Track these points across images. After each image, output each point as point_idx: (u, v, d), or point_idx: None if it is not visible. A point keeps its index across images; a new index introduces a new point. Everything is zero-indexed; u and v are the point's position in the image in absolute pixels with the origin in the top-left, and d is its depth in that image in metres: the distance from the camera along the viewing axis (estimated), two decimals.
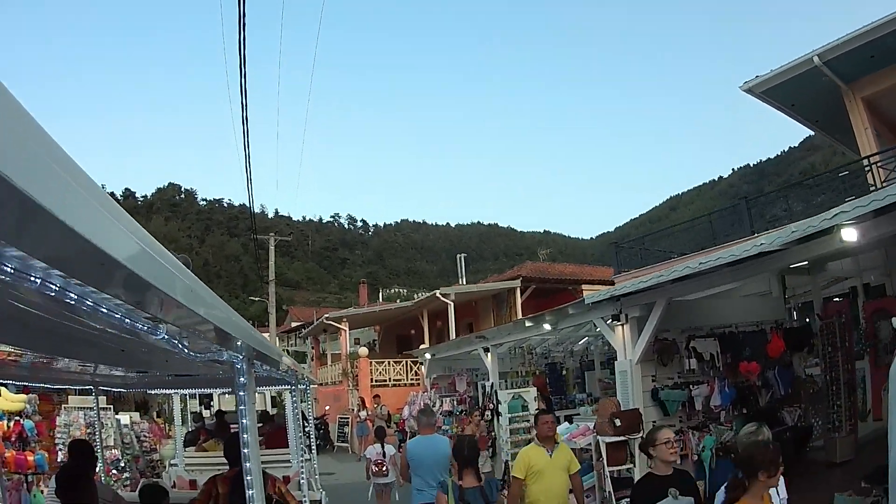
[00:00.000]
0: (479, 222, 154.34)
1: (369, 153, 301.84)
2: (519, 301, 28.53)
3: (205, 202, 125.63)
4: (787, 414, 11.35)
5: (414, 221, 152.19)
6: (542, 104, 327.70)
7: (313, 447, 8.91)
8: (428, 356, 19.10)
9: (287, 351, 44.97)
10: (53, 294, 1.47)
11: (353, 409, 27.13)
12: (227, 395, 17.94)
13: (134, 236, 1.44)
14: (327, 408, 31.55)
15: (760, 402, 11.28)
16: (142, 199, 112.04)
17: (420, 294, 33.74)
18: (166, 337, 2.25)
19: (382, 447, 11.80)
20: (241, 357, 3.19)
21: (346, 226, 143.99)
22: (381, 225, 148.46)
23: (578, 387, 16.75)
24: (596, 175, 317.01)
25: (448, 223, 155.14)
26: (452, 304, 27.86)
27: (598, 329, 16.05)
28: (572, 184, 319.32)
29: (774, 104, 18.95)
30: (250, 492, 3.37)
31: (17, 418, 10.32)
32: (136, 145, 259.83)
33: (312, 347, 41.01)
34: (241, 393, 3.29)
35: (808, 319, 12.78)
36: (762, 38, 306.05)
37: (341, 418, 29.08)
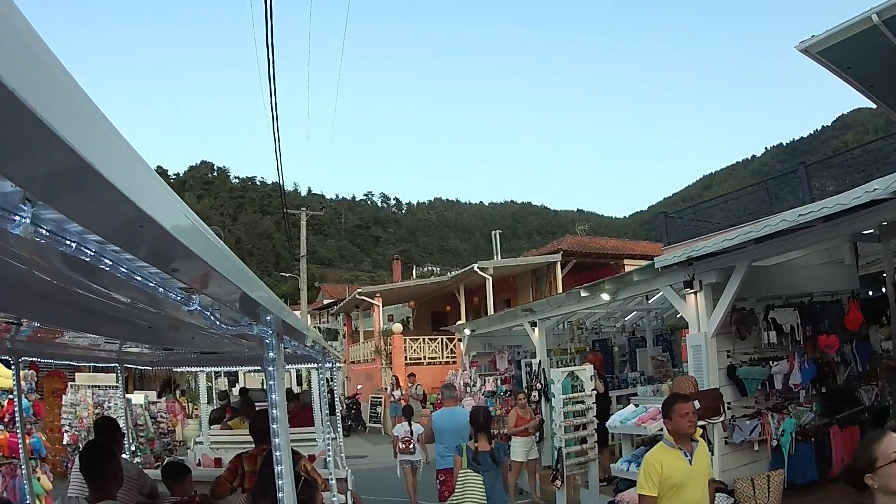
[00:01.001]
0: (512, 201, 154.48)
1: (402, 131, 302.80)
2: (559, 276, 27.27)
3: (238, 180, 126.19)
4: (863, 393, 10.23)
5: (447, 199, 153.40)
6: (576, 82, 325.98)
7: (339, 426, 9.17)
8: (467, 332, 17.86)
9: (318, 328, 44.32)
10: (88, 259, 1.45)
11: (386, 389, 26.22)
12: (253, 374, 17.31)
13: (175, 202, 1.48)
14: (359, 387, 30.73)
15: (838, 379, 10.17)
16: (174, 176, 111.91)
17: (454, 272, 32.67)
18: (199, 308, 2.21)
19: (410, 426, 12.28)
20: (270, 332, 3.11)
21: (379, 204, 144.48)
22: (415, 203, 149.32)
23: (629, 365, 15.58)
24: (629, 154, 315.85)
25: (481, 201, 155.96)
26: (490, 278, 26.69)
27: (650, 301, 15.05)
28: (605, 162, 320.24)
29: (829, 66, 17.54)
30: (279, 468, 3.31)
31: (11, 396, 9.42)
32: (169, 124, 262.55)
33: (344, 324, 40.16)
34: (271, 368, 3.21)
35: (870, 292, 11.64)
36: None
37: (374, 398, 28.21)
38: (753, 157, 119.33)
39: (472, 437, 7.47)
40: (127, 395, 14.94)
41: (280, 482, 3.31)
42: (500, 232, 35.38)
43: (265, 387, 3.34)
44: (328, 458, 6.82)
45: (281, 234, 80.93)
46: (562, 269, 27.67)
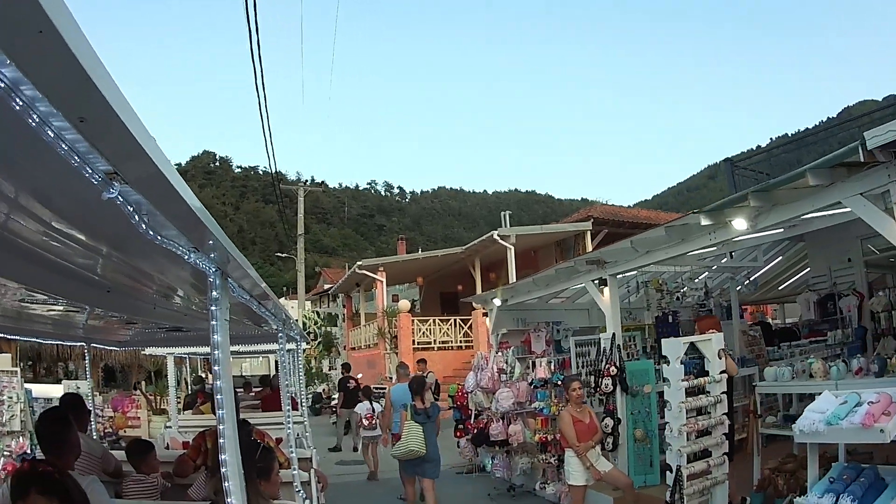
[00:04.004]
0: (516, 189, 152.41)
1: (405, 120, 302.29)
2: (589, 247, 23.47)
3: (240, 169, 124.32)
4: None
5: (451, 188, 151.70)
6: (581, 69, 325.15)
7: (304, 405, 9.61)
8: (497, 302, 13.39)
9: (317, 313, 41.01)
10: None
11: (390, 378, 22.62)
12: (231, 358, 14.46)
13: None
14: (360, 376, 27.15)
15: None
16: (176, 166, 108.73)
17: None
18: (120, 199, 1.87)
19: (371, 404, 13.80)
20: (214, 269, 2.87)
21: (382, 192, 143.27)
22: (419, 192, 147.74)
23: None
24: (633, 143, 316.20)
25: (485, 190, 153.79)
26: (513, 248, 23.15)
27: (734, 257, 11.36)
28: (609, 151, 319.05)
29: None
30: (221, 412, 2.97)
31: None
32: (170, 114, 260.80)
33: (344, 306, 36.75)
34: (213, 308, 2.94)
35: None
36: None
37: (377, 388, 24.63)
38: (759, 146, 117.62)
39: (413, 399, 9.22)
40: (27, 385, 11.39)
41: (221, 427, 2.93)
42: (510, 213, 31.85)
43: (210, 329, 2.94)
44: (290, 436, 6.59)
45: (283, 224, 78.88)
46: (592, 240, 24.20)
